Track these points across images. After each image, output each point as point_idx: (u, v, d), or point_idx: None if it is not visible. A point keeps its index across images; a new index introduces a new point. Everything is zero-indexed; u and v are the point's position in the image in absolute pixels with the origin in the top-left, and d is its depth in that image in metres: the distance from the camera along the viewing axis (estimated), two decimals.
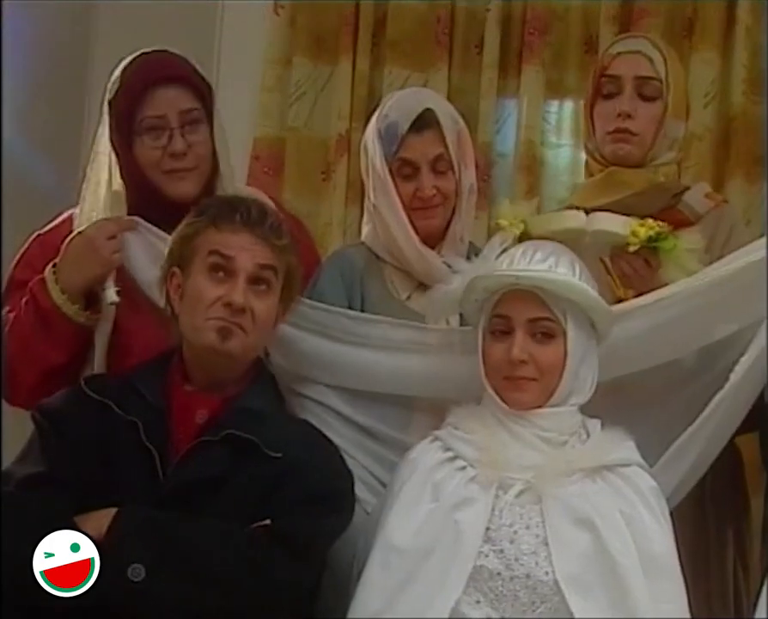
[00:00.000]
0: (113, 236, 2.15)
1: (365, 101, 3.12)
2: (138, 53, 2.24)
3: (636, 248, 2.08)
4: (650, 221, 2.09)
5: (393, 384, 2.15)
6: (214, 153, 2.24)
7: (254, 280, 1.95)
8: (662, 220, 2.20)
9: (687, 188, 2.33)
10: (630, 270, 2.11)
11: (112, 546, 1.75)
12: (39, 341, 2.14)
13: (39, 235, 2.28)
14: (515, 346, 1.89)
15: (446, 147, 2.23)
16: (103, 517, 1.78)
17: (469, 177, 2.27)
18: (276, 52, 3.20)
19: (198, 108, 2.21)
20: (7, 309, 2.20)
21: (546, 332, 1.91)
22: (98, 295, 2.17)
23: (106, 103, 2.23)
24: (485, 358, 1.94)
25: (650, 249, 2.08)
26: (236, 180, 2.38)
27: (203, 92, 2.24)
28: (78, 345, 2.17)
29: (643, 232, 2.07)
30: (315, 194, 3.18)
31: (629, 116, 2.28)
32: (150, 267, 2.13)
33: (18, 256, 2.27)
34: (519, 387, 1.90)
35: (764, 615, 1.82)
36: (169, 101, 2.19)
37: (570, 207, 2.30)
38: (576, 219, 2.14)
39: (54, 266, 2.15)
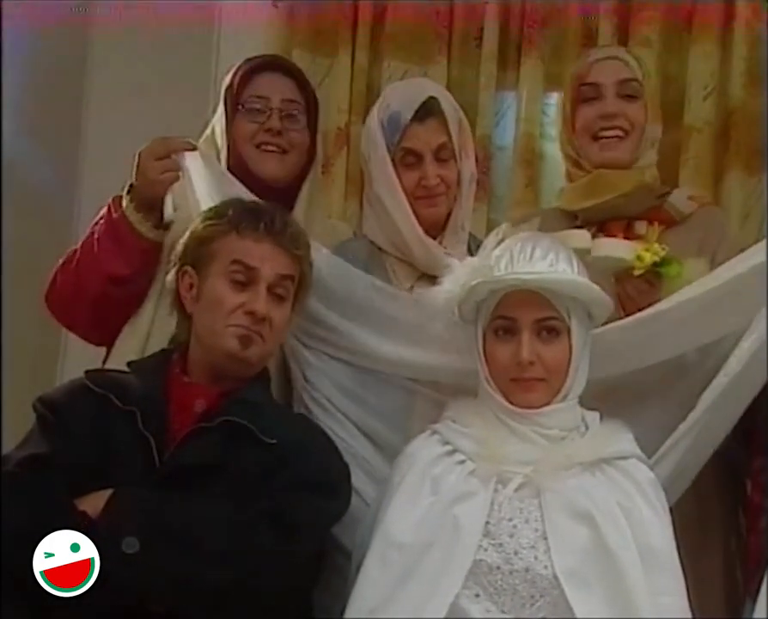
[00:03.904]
0: (164, 157, 2.17)
1: (364, 94, 3.11)
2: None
3: (641, 272, 2.09)
4: (656, 246, 2.10)
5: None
6: (309, 161, 2.32)
7: (273, 289, 1.97)
8: (649, 219, 2.23)
9: (670, 191, 2.34)
10: (634, 292, 2.12)
11: (108, 521, 1.78)
12: (106, 249, 2.19)
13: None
14: (523, 348, 1.88)
15: (449, 136, 2.24)
16: (100, 497, 1.80)
17: (470, 166, 2.28)
18: (275, 45, 3.18)
19: (300, 103, 2.31)
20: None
21: (552, 330, 1.90)
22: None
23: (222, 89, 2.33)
24: (490, 359, 1.94)
25: (654, 272, 2.10)
26: None
27: (308, 95, 2.33)
28: (143, 260, 2.20)
29: (648, 257, 2.08)
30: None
31: (615, 116, 2.28)
32: (209, 195, 2.12)
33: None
34: (529, 388, 1.90)
35: (765, 615, 1.81)
36: (275, 87, 2.29)
37: (559, 210, 2.33)
38: (581, 240, 2.12)
39: (131, 185, 2.20)
